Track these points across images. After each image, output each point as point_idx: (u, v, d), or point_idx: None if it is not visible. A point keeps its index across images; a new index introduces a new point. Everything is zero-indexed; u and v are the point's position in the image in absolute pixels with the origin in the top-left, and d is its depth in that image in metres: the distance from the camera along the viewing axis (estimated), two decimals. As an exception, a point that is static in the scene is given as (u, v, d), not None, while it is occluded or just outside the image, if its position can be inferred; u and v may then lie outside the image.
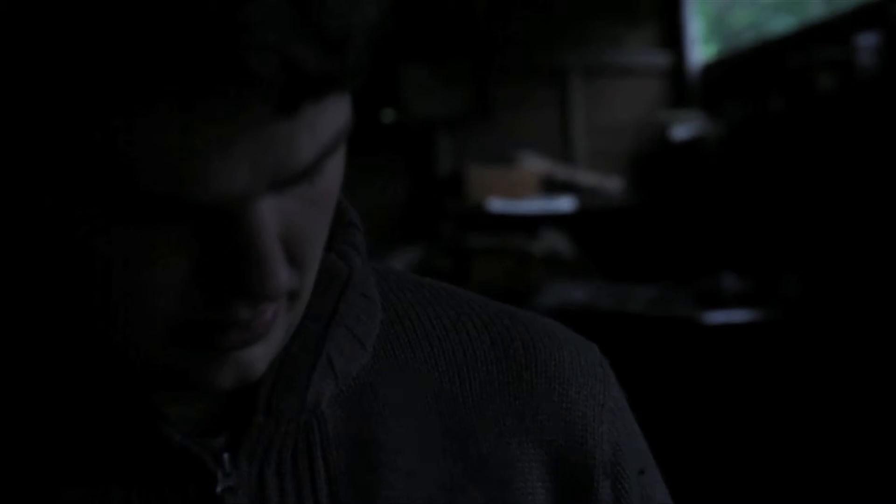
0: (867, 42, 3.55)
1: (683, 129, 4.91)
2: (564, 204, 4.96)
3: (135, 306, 0.54)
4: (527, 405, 0.71)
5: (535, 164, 5.04)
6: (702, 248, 4.65)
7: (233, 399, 0.64)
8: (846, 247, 3.69)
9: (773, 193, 4.20)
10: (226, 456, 0.62)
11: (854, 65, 3.61)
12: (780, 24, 6.17)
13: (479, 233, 4.88)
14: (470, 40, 5.00)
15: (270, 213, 0.53)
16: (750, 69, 4.63)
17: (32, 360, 0.63)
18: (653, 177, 5.13)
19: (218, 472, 0.62)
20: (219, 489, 0.62)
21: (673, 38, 5.34)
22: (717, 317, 3.58)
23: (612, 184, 5.16)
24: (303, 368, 0.64)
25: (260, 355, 0.58)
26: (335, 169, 0.56)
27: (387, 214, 4.95)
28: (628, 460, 0.74)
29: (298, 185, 0.54)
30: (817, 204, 3.89)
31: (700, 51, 5.47)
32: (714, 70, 5.18)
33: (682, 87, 5.29)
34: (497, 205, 4.85)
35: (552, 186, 5.04)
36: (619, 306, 4.08)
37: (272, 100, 0.49)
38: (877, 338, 3.41)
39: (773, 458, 3.46)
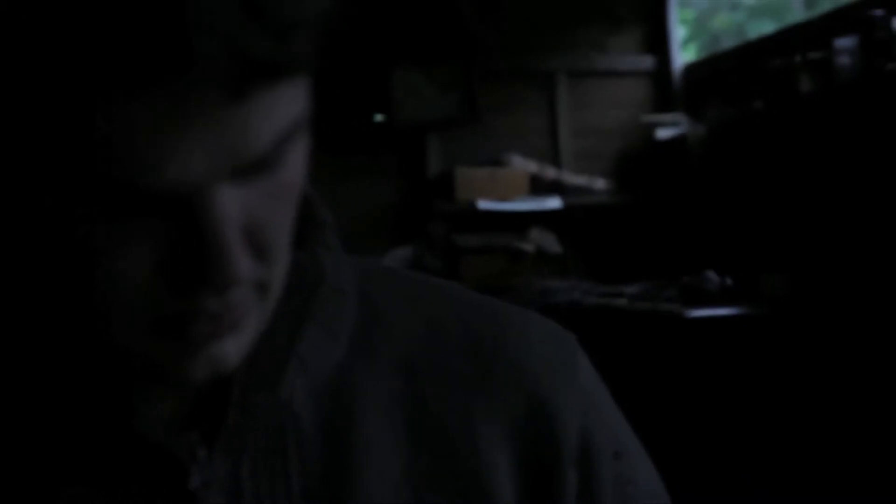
0: (845, 45, 3.58)
1: (667, 130, 4.95)
2: (552, 204, 4.99)
3: (107, 298, 0.54)
4: (495, 398, 0.70)
5: (523, 166, 5.08)
6: (686, 247, 4.68)
7: (207, 396, 0.63)
8: (828, 244, 3.72)
9: (756, 192, 4.23)
10: (201, 452, 0.62)
11: (833, 67, 3.64)
12: (761, 27, 6.24)
13: (468, 232, 4.91)
14: (460, 45, 5.03)
15: (231, 203, 0.52)
16: (732, 72, 4.66)
17: (11, 357, 0.63)
18: (638, 177, 5.17)
19: (192, 468, 0.62)
20: (193, 485, 0.62)
21: (657, 42, 5.39)
22: (701, 313, 3.58)
23: (598, 184, 5.21)
24: (275, 365, 0.64)
25: (232, 348, 0.57)
26: (296, 160, 0.55)
27: (378, 215, 4.95)
28: (600, 445, 0.72)
29: (259, 175, 0.53)
30: (799, 202, 3.92)
31: (683, 54, 5.54)
32: (697, 73, 5.23)
33: (665, 90, 5.34)
34: (486, 205, 4.88)
35: (540, 187, 5.08)
36: (605, 303, 4.09)
37: (223, 86, 0.48)
38: (860, 333, 3.44)
39: (756, 450, 3.48)
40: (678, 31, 5.49)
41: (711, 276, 3.74)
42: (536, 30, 5.21)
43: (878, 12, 3.50)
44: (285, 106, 0.52)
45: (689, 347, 3.61)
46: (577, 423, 0.71)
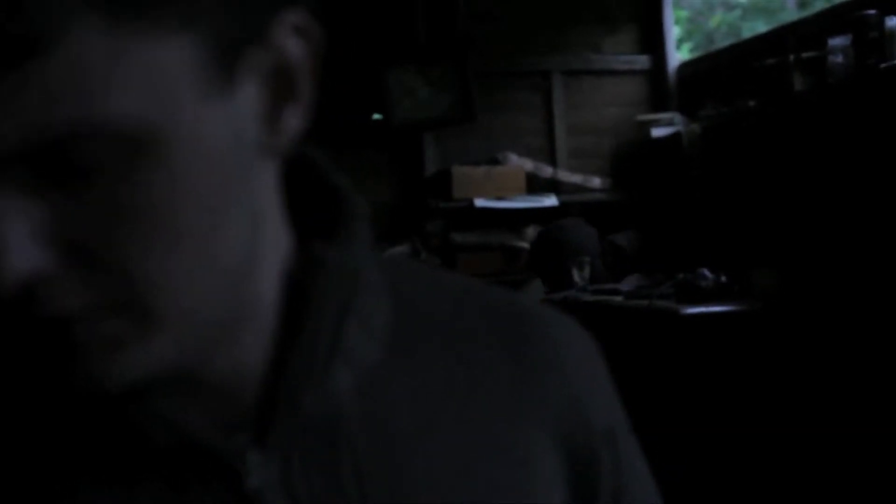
0: (839, 44, 3.59)
1: (662, 129, 4.97)
2: (548, 202, 5.01)
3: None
4: (531, 386, 0.72)
5: (519, 164, 5.10)
6: (680, 244, 4.71)
7: (257, 396, 0.64)
8: (822, 241, 3.74)
9: (749, 190, 4.25)
10: (252, 453, 0.62)
11: (826, 66, 3.65)
12: (755, 27, 6.26)
13: (465, 231, 4.93)
14: (455, 45, 5.04)
15: (9, 201, 0.50)
16: (726, 71, 4.68)
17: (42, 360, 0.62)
18: (633, 175, 5.20)
19: (244, 470, 0.62)
20: (250, 486, 0.62)
21: (652, 41, 5.41)
22: (696, 310, 3.59)
23: (593, 182, 5.24)
24: (320, 363, 0.64)
25: (109, 367, 0.55)
26: (150, 189, 0.51)
27: (375, 214, 4.95)
28: (619, 423, 0.79)
29: (61, 186, 0.50)
30: (793, 199, 3.94)
31: (677, 53, 5.56)
32: (691, 72, 5.24)
33: (660, 89, 5.36)
34: (483, 203, 4.89)
35: (536, 185, 5.11)
36: (601, 299, 4.10)
37: None
38: (853, 327, 3.46)
39: (752, 445, 3.52)
40: (673, 31, 5.50)
41: (706, 272, 3.74)
42: (532, 29, 5.23)
43: (871, 12, 3.52)
44: (40, 101, 0.47)
45: (684, 344, 3.62)
46: (603, 404, 0.78)
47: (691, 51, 7.46)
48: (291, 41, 0.58)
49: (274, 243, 0.64)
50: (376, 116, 4.99)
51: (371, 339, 0.68)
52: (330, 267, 0.65)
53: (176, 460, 0.62)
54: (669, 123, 4.97)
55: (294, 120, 0.60)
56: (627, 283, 4.17)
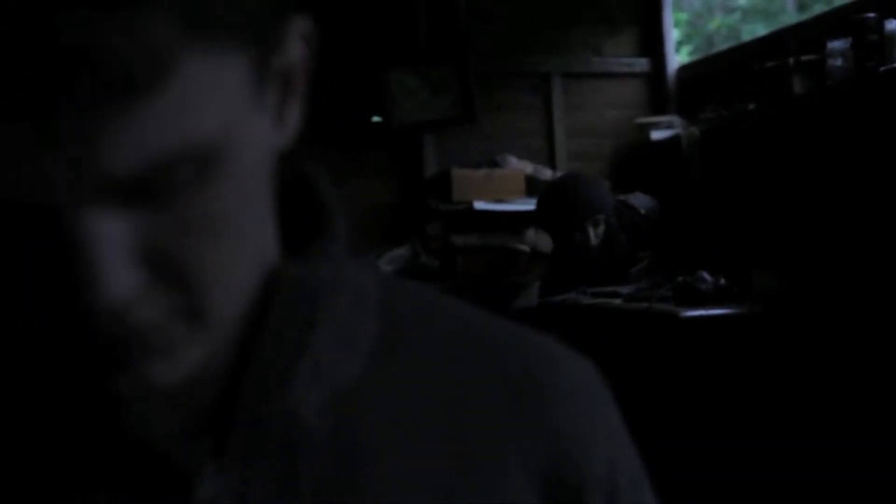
0: (838, 47, 3.59)
1: (662, 131, 4.97)
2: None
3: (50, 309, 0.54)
4: (522, 422, 0.70)
5: (519, 166, 5.09)
6: (680, 246, 4.70)
7: (219, 406, 0.64)
8: (821, 244, 3.74)
9: (749, 193, 4.25)
10: (209, 462, 0.62)
11: (826, 69, 3.65)
12: (754, 29, 6.26)
13: (465, 232, 4.92)
14: (456, 46, 5.05)
15: (106, 224, 0.51)
16: (725, 73, 4.69)
17: (15, 359, 0.63)
18: (632, 177, 5.17)
19: (198, 479, 0.62)
20: (200, 496, 0.62)
21: (651, 44, 5.41)
22: (695, 313, 3.58)
23: (593, 185, 5.24)
24: (282, 375, 0.63)
25: (162, 372, 0.56)
26: (219, 200, 0.54)
27: (375, 215, 4.97)
28: (623, 474, 0.74)
29: (152, 203, 0.52)
30: (792, 202, 3.94)
31: (677, 56, 5.56)
32: (691, 75, 5.25)
33: (660, 92, 5.36)
34: (482, 205, 4.88)
35: (536, 188, 5.03)
36: (600, 302, 4.10)
37: (78, 104, 0.48)
38: (853, 329, 3.46)
39: (752, 449, 3.52)
40: (672, 34, 5.51)
41: (705, 275, 3.74)
42: (532, 31, 5.24)
43: (871, 15, 3.53)
44: (158, 127, 0.50)
45: (683, 347, 3.62)
46: (604, 452, 0.73)
47: (691, 53, 7.46)
48: (297, 45, 0.61)
49: (272, 248, 0.66)
50: (376, 119, 4.99)
51: (351, 355, 0.67)
52: (288, 283, 0.65)
53: (139, 464, 0.62)
54: (669, 126, 4.98)
55: (294, 116, 0.62)
56: (627, 286, 4.16)
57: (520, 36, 5.23)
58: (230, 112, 0.53)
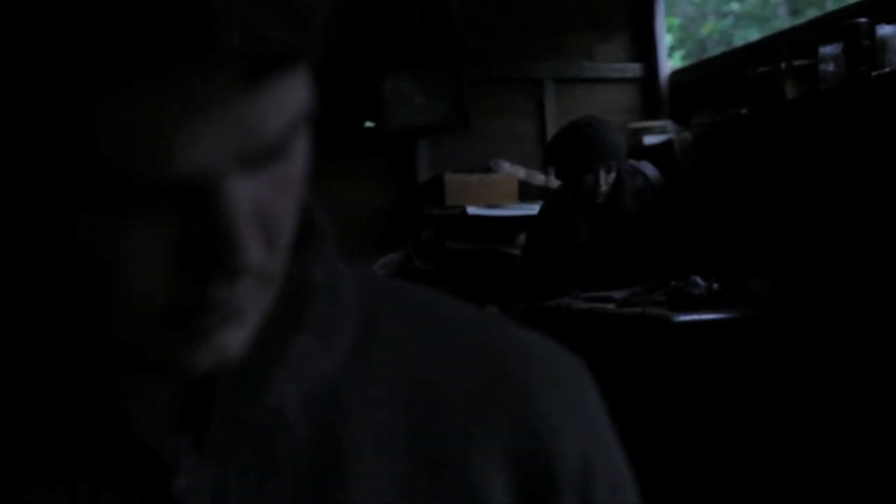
0: (830, 52, 3.60)
1: (654, 136, 4.98)
2: (540, 209, 5.02)
3: (119, 289, 0.53)
4: (495, 416, 0.69)
5: (512, 172, 5.11)
6: (672, 251, 4.71)
7: (201, 398, 0.63)
8: (814, 249, 3.75)
9: (742, 197, 4.26)
10: (188, 456, 0.62)
11: (818, 74, 3.67)
12: (747, 35, 6.27)
13: (458, 237, 4.93)
14: (449, 52, 5.06)
15: (243, 192, 0.52)
16: (718, 78, 4.70)
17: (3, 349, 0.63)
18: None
19: (177, 472, 0.61)
20: (176, 488, 0.62)
21: (644, 49, 5.43)
22: (688, 317, 3.59)
23: (586, 190, 5.24)
24: (263, 372, 0.64)
25: (236, 338, 0.57)
26: (301, 152, 0.56)
27: (369, 220, 4.98)
28: (599, 475, 0.72)
29: (268, 164, 0.53)
30: (785, 207, 3.95)
31: (669, 61, 5.58)
32: (683, 80, 5.26)
33: (652, 97, 5.38)
34: (475, 211, 4.89)
35: (529, 193, 5.10)
36: (594, 307, 4.10)
37: (238, 72, 0.48)
38: (847, 334, 3.48)
39: (745, 454, 3.53)
40: (665, 39, 5.52)
41: (698, 280, 3.75)
42: (525, 37, 5.25)
43: (863, 20, 3.54)
44: (295, 94, 0.52)
45: (677, 352, 3.62)
46: (580, 449, 0.71)
47: (683, 58, 7.49)
48: None
49: None
50: (369, 124, 4.99)
51: (327, 352, 0.67)
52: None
53: (120, 454, 0.62)
54: (662, 131, 4.98)
55: None
56: (620, 291, 4.16)
57: (513, 42, 5.24)
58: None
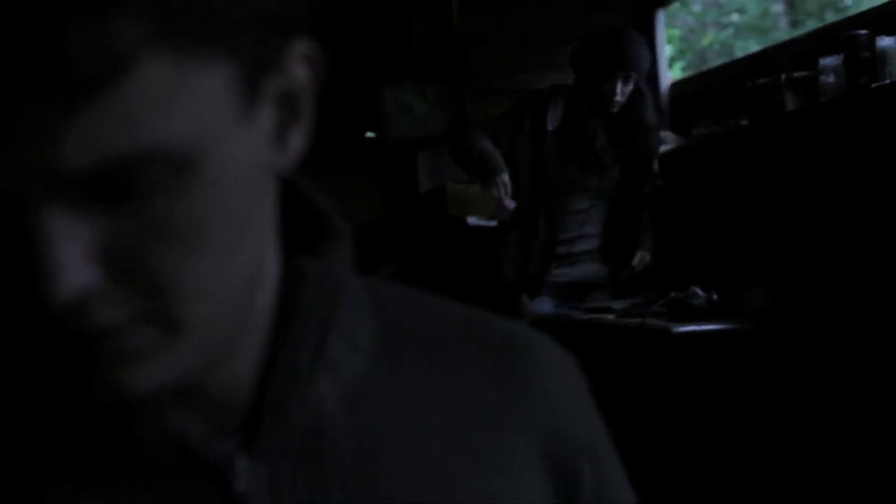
0: (830, 64, 3.60)
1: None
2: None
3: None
4: (515, 402, 0.74)
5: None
6: (672, 262, 4.71)
7: (247, 405, 0.67)
8: (814, 260, 3.75)
9: (741, 208, 4.27)
10: (241, 459, 0.66)
11: (818, 85, 3.67)
12: (747, 46, 6.27)
13: (459, 247, 4.94)
14: (450, 64, 5.07)
15: (66, 223, 0.52)
16: (718, 90, 4.70)
17: (38, 359, 0.65)
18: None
19: (232, 474, 0.65)
20: (237, 490, 0.65)
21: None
22: (688, 328, 3.60)
23: (586, 201, 5.23)
24: (304, 374, 0.67)
25: (133, 377, 0.57)
26: (191, 209, 0.55)
27: (370, 229, 4.99)
28: (599, 439, 0.81)
29: (118, 203, 0.53)
30: (784, 218, 3.96)
31: (670, 72, 5.58)
32: (683, 91, 5.27)
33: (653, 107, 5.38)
34: (476, 221, 4.91)
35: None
36: (593, 318, 4.10)
37: (31, 98, 0.48)
38: (846, 347, 3.47)
39: (745, 465, 3.52)
40: (665, 50, 5.52)
41: (698, 291, 3.75)
42: (525, 49, 5.26)
43: (863, 32, 3.54)
44: (114, 126, 0.50)
45: (676, 363, 3.62)
46: (586, 421, 0.80)
47: (683, 69, 7.49)
48: (300, 68, 0.61)
49: (272, 257, 0.68)
50: (369, 134, 5.00)
51: (355, 352, 0.71)
52: (312, 281, 0.68)
53: (166, 465, 0.65)
54: (661, 142, 4.97)
55: (298, 140, 0.63)
56: (620, 301, 4.16)
57: (514, 53, 5.25)
58: (205, 120, 0.54)
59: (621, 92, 4.16)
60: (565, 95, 4.33)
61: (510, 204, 4.07)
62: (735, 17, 9.55)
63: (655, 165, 4.41)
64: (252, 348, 0.67)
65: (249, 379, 0.67)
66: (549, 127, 4.28)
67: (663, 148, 4.76)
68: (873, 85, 3.43)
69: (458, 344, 0.75)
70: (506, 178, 4.08)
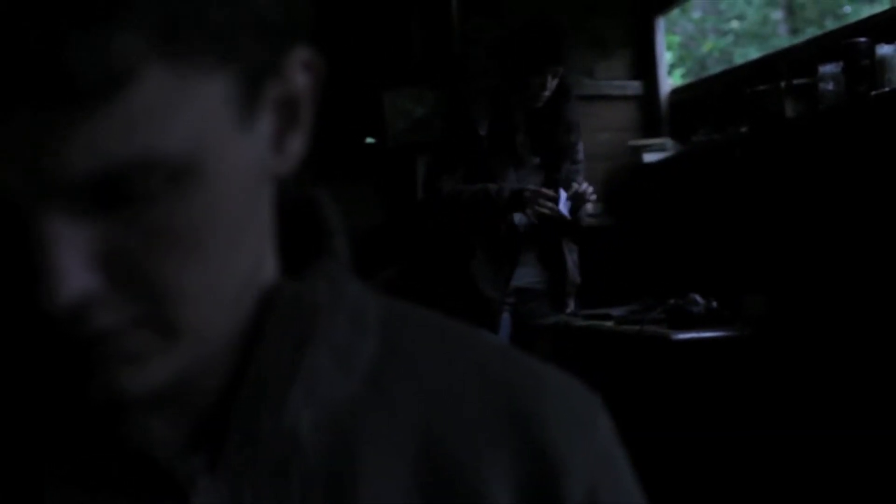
0: (830, 71, 3.62)
1: (654, 154, 4.99)
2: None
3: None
4: (507, 445, 0.70)
5: (511, 188, 5.11)
6: (671, 270, 4.72)
7: (215, 417, 0.65)
8: (812, 267, 3.76)
9: (740, 215, 4.27)
10: (202, 475, 0.64)
11: (817, 92, 3.68)
12: (747, 53, 6.29)
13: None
14: (450, 69, 5.07)
15: (67, 229, 0.53)
16: (717, 97, 4.71)
17: (17, 361, 0.65)
18: (624, 200, 5.19)
19: (192, 489, 0.63)
20: None
21: (644, 67, 5.44)
22: (687, 335, 3.61)
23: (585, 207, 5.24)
24: (277, 392, 0.65)
25: (128, 379, 0.58)
26: (189, 214, 0.55)
27: (369, 234, 4.99)
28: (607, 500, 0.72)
29: (117, 209, 0.53)
30: (783, 225, 3.96)
31: (669, 79, 5.59)
32: (683, 98, 5.28)
33: (652, 115, 5.38)
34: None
35: (528, 209, 5.11)
36: (592, 325, 4.10)
37: (30, 106, 0.49)
38: (843, 354, 3.48)
39: (743, 470, 3.53)
40: (665, 57, 5.53)
41: (697, 298, 3.76)
42: (525, 54, 5.25)
43: (862, 40, 3.55)
44: (114, 135, 0.51)
45: (675, 370, 3.63)
46: (587, 482, 0.71)
47: (683, 76, 7.50)
48: (300, 75, 0.61)
49: (269, 262, 0.67)
50: (369, 140, 5.01)
51: (347, 374, 0.68)
52: (284, 301, 0.66)
53: (137, 474, 0.64)
54: (661, 149, 4.99)
55: (297, 145, 0.63)
56: (619, 309, 4.17)
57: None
58: (204, 128, 0.54)
59: (549, 87, 3.97)
60: (486, 96, 4.10)
61: (564, 207, 3.95)
62: (735, 24, 9.57)
63: (580, 165, 4.22)
64: (231, 360, 0.66)
65: (221, 390, 0.66)
66: (482, 132, 4.08)
67: (663, 154, 4.77)
68: (873, 92, 3.44)
69: (461, 380, 0.72)
70: (530, 188, 3.94)
